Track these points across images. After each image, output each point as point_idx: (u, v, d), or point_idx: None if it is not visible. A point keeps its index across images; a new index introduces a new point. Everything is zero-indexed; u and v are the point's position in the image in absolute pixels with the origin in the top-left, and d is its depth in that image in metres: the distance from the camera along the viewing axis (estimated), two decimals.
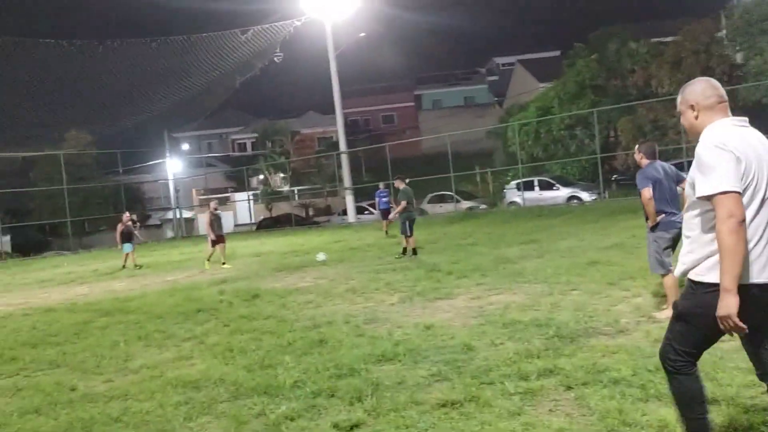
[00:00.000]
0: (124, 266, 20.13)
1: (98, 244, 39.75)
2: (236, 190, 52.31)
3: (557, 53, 58.08)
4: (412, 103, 69.36)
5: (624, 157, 30.41)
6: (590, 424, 4.18)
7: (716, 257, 2.99)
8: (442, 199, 32.98)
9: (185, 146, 62.07)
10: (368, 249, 18.24)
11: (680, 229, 6.24)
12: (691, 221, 3.21)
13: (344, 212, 35.41)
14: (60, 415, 5.44)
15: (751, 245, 3.00)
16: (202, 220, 46.79)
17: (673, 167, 7.01)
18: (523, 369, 5.32)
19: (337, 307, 9.35)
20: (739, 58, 31.21)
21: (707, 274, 3.07)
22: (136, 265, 19.96)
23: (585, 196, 27.95)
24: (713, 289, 2.99)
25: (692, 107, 3.25)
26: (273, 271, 14.97)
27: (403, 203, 15.53)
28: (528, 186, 29.79)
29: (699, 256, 3.11)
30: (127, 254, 20.45)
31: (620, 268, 9.83)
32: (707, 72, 29.35)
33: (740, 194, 2.94)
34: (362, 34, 35.74)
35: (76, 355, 7.70)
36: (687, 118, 3.30)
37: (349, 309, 9.04)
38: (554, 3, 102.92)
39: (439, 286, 10.09)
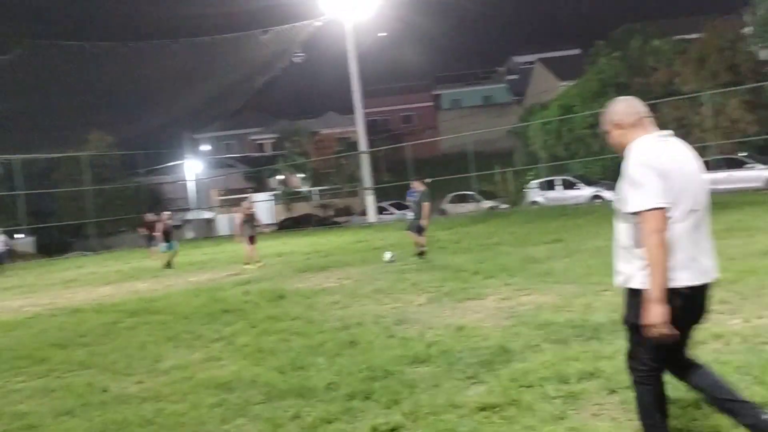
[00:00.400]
0: (169, 265, 19.96)
1: (120, 245, 40.07)
2: (256, 191, 52.46)
3: (577, 51, 57.69)
4: (431, 103, 69.13)
5: None
6: (638, 429, 4.06)
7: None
8: (463, 199, 32.85)
9: (205, 147, 62.32)
10: (391, 249, 18.11)
11: None
12: (624, 233, 3.37)
13: (364, 212, 35.34)
14: (93, 416, 5.40)
15: (678, 252, 3.21)
16: (223, 221, 47.16)
17: None
18: (563, 372, 5.19)
19: (365, 307, 9.27)
20: (765, 54, 30.81)
21: (647, 281, 3.21)
22: (168, 265, 19.91)
23: (609, 195, 27.66)
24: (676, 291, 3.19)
25: (617, 125, 3.48)
26: (297, 272, 14.92)
27: (427, 205, 15.31)
28: (550, 185, 29.54)
29: (636, 267, 3.27)
30: (168, 252, 20.38)
31: None
32: (733, 69, 29.06)
33: (665, 209, 3.17)
34: (382, 34, 35.70)
35: (105, 356, 7.68)
36: (613, 137, 3.52)
37: (378, 310, 8.96)
38: (573, 1, 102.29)
39: (467, 287, 9.97)
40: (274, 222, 43.54)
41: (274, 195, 48.78)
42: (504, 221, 23.81)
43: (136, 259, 25.98)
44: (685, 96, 28.75)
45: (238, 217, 17.81)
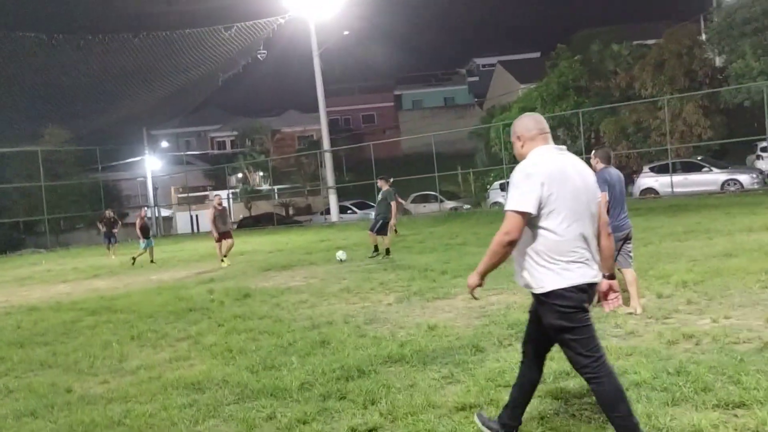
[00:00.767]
0: (152, 261, 20.10)
1: (75, 242, 39.18)
2: (215, 189, 51.80)
3: (537, 54, 58.27)
4: (393, 103, 69.19)
5: None
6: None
7: (549, 265, 3.49)
8: (425, 199, 32.93)
9: (164, 144, 61.35)
10: (355, 248, 18.06)
11: (630, 229, 7.24)
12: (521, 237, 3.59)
13: (327, 212, 35.17)
14: (58, 418, 5.23)
15: (560, 257, 3.48)
16: (182, 219, 46.49)
17: (621, 175, 7.54)
18: None
19: (334, 306, 9.18)
20: (719, 61, 31.49)
21: (545, 283, 3.51)
22: (152, 261, 20.04)
23: None
24: (557, 293, 3.47)
25: (518, 138, 3.77)
26: (260, 271, 14.74)
27: (394, 204, 15.49)
28: None
29: (528, 272, 3.57)
30: (148, 249, 20.25)
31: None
32: (690, 75, 29.65)
33: (525, 216, 3.44)
34: (346, 33, 35.55)
35: (67, 355, 7.46)
36: (516, 147, 3.82)
37: (347, 309, 8.89)
38: (533, 5, 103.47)
39: (435, 286, 9.96)
40: (234, 221, 43.05)
41: (234, 193, 48.23)
42: (467, 222, 23.91)
43: (93, 257, 25.43)
44: (644, 100, 29.25)
45: (209, 213, 17.42)
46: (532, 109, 34.71)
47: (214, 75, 35.51)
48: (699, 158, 26.48)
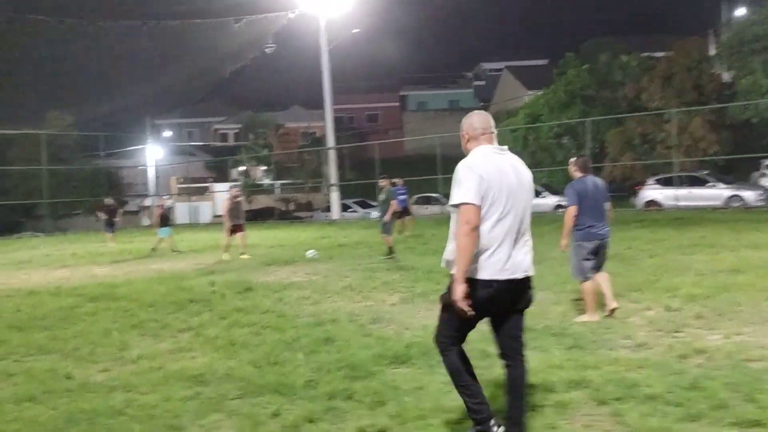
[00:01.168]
0: (174, 250, 19.61)
1: (73, 227, 39.05)
2: (216, 181, 51.67)
3: (545, 62, 58.24)
4: (398, 104, 69.09)
5: (611, 168, 30.43)
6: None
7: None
8: (428, 201, 32.82)
9: (167, 133, 61.22)
10: (357, 246, 17.99)
11: (602, 240, 7.18)
12: (451, 225, 3.90)
13: (328, 209, 35.06)
14: (59, 404, 5.13)
15: (492, 250, 3.72)
16: (181, 210, 46.35)
17: (604, 183, 7.57)
18: (548, 379, 5.12)
19: (337, 304, 9.09)
20: (727, 77, 31.45)
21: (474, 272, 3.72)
22: (173, 250, 19.57)
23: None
24: (469, 280, 3.67)
25: (464, 135, 4.03)
26: (262, 265, 14.65)
27: (394, 203, 15.43)
28: None
29: (454, 255, 3.75)
30: (165, 238, 19.93)
31: (624, 279, 9.67)
32: (698, 89, 29.60)
33: (478, 206, 3.66)
34: (355, 30, 35.42)
35: (67, 341, 7.36)
36: (462, 144, 4.07)
37: (351, 307, 8.80)
38: (543, 12, 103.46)
39: (440, 288, 9.78)
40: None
41: (236, 186, 48.11)
42: None
43: (92, 243, 25.31)
44: (651, 112, 29.18)
45: (224, 204, 17.22)
46: (539, 116, 34.76)
47: (221, 66, 35.41)
48: (705, 172, 26.41)
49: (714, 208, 23.36)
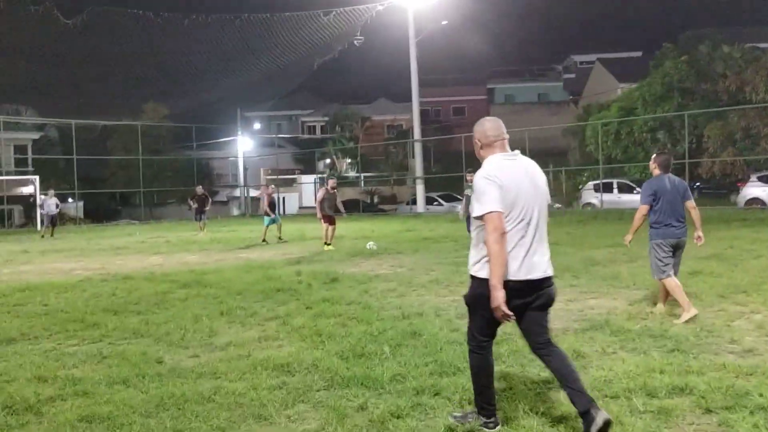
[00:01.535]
0: (280, 238, 19.89)
1: (167, 216, 40.45)
2: (303, 173, 52.43)
3: (638, 54, 56.26)
4: (485, 97, 68.17)
5: (710, 164, 29.06)
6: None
7: (486, 259, 3.86)
8: None
9: (256, 125, 62.53)
10: (442, 240, 17.82)
11: (680, 238, 6.95)
12: (474, 233, 4.08)
13: (413, 202, 34.97)
14: (149, 388, 5.19)
15: (509, 252, 3.85)
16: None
17: (683, 183, 7.41)
18: (649, 384, 4.82)
19: (423, 298, 8.96)
20: None
21: (480, 271, 3.96)
22: (279, 238, 19.81)
23: None
24: (485, 281, 3.84)
25: (477, 142, 4.16)
26: (347, 256, 14.69)
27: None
28: (606, 188, 28.80)
29: (476, 259, 3.99)
30: (276, 225, 20.12)
31: (727, 280, 9.15)
32: None
33: (501, 213, 3.81)
34: (444, 22, 35.11)
35: (159, 326, 7.51)
36: (476, 151, 4.21)
37: (437, 301, 8.65)
38: (637, 3, 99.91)
39: None
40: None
41: (321, 178, 48.70)
42: (558, 221, 23.20)
43: (184, 231, 26.10)
44: (755, 105, 27.66)
45: (319, 193, 17.40)
46: (633, 110, 33.53)
47: (311, 59, 35.78)
48: None
49: None
